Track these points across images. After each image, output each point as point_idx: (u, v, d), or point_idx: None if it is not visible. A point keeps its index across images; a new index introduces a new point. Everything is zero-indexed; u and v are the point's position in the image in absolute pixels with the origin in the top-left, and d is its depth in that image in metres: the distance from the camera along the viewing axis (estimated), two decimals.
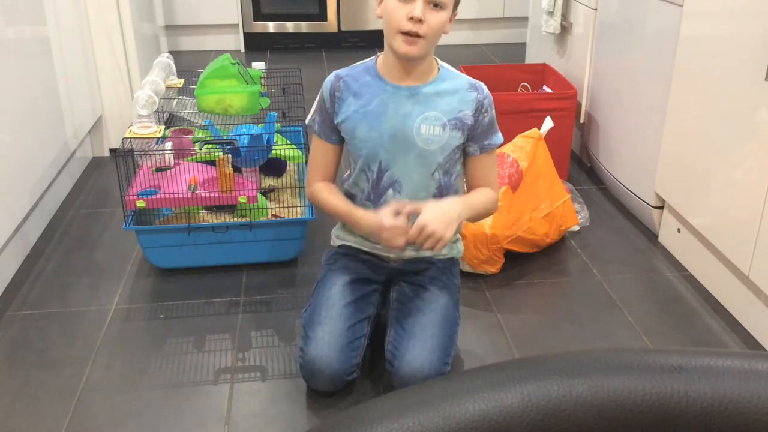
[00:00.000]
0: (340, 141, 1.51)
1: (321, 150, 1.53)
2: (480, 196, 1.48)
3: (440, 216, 1.36)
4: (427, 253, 1.52)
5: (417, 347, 1.40)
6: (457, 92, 1.44)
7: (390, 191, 1.47)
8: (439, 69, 1.47)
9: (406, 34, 1.35)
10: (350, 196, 1.53)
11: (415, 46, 1.36)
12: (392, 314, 1.51)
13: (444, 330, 1.44)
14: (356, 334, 1.46)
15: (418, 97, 1.43)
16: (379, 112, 1.43)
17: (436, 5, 1.34)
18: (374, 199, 1.49)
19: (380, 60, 1.47)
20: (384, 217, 1.37)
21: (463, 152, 1.49)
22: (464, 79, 1.47)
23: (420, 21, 1.33)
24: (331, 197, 1.51)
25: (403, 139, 1.43)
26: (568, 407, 0.42)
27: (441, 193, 1.48)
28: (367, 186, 1.49)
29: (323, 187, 1.53)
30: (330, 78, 1.49)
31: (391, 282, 1.57)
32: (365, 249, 1.56)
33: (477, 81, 1.48)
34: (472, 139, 1.46)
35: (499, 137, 1.49)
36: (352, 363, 1.44)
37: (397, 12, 1.34)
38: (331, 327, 1.44)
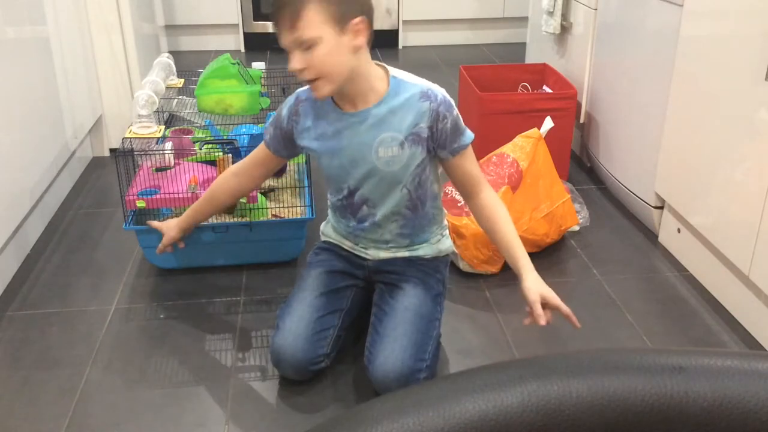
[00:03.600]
0: (287, 156, 1.53)
1: (262, 155, 1.54)
2: (506, 225, 1.45)
3: (542, 282, 1.40)
4: (404, 253, 1.54)
5: (388, 348, 1.41)
6: (408, 105, 1.37)
7: (364, 207, 1.49)
8: (389, 82, 1.38)
9: (307, 82, 1.31)
10: (333, 207, 1.56)
11: (318, 90, 1.31)
12: (371, 318, 1.52)
13: (417, 327, 1.44)
14: (324, 324, 1.48)
15: (370, 120, 1.38)
16: (336, 142, 1.42)
17: (306, 48, 1.26)
18: (351, 213, 1.52)
19: None
20: (171, 224, 1.71)
21: (437, 156, 1.44)
22: (416, 88, 1.37)
23: (302, 70, 1.27)
24: (207, 196, 1.64)
25: (364, 165, 1.41)
26: (568, 407, 0.42)
27: (414, 203, 1.47)
28: (342, 203, 1.51)
29: (223, 182, 1.61)
30: (291, 99, 1.47)
31: (372, 282, 1.58)
32: (344, 247, 1.59)
33: (430, 87, 1.38)
34: (440, 147, 1.41)
35: (468, 136, 1.42)
36: (318, 353, 1.47)
37: (290, 66, 1.31)
38: (299, 317, 1.47)
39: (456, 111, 1.40)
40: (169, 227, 1.72)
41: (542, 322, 1.37)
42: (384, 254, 1.54)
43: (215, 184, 1.64)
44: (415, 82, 1.39)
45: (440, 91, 1.39)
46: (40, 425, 1.41)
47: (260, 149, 1.55)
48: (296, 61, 1.27)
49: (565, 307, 1.37)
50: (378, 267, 1.55)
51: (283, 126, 1.47)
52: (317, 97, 1.34)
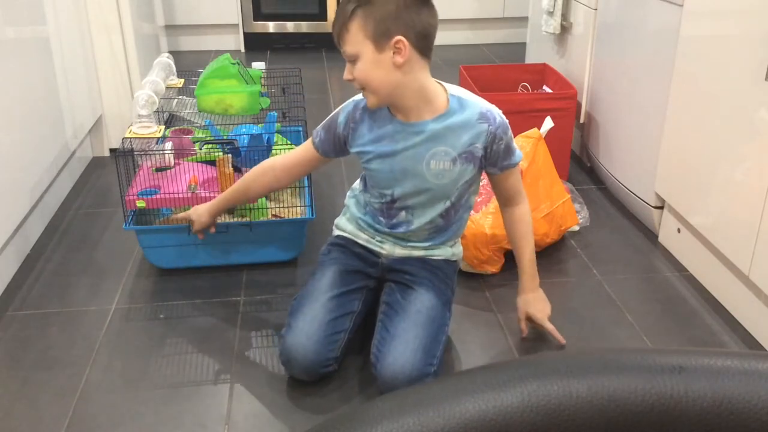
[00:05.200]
0: (335, 157, 1.57)
1: (307, 155, 1.57)
2: (527, 243, 1.57)
3: (535, 301, 1.60)
4: (419, 253, 1.55)
5: (399, 349, 1.40)
6: (467, 125, 1.42)
7: (403, 213, 1.52)
8: (449, 100, 1.43)
9: None
10: (368, 204, 1.57)
11: (367, 100, 1.42)
12: (379, 316, 1.52)
13: (428, 331, 1.44)
14: (336, 327, 1.48)
15: (426, 133, 1.42)
16: (390, 149, 1.45)
17: (351, 61, 1.37)
18: (387, 218, 1.54)
19: None
20: (196, 209, 1.72)
21: (485, 170, 1.51)
22: (475, 108, 1.43)
23: (352, 80, 1.38)
24: (242, 183, 1.63)
25: (414, 176, 1.45)
26: (568, 407, 0.42)
27: (447, 214, 1.52)
28: (382, 206, 1.53)
29: (260, 172, 1.61)
30: (349, 105, 1.50)
31: (383, 281, 1.59)
32: (359, 242, 1.59)
33: (489, 108, 1.44)
34: (492, 164, 1.47)
35: (518, 156, 1.50)
36: (329, 356, 1.47)
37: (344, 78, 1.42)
38: (312, 317, 1.47)
39: (510, 132, 1.47)
40: (200, 213, 1.71)
41: (523, 334, 1.63)
42: (399, 251, 1.56)
43: (251, 176, 1.63)
44: (474, 102, 1.44)
45: (498, 113, 1.45)
46: (40, 425, 1.41)
47: (306, 149, 1.57)
48: (346, 72, 1.38)
49: (548, 326, 1.59)
50: (392, 265, 1.56)
51: (338, 132, 1.51)
52: (369, 105, 1.43)
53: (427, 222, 1.51)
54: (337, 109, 1.53)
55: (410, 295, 1.50)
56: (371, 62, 1.34)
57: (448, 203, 1.49)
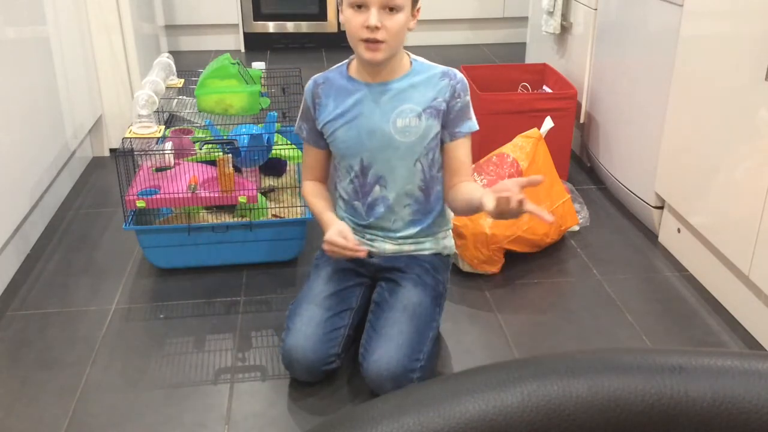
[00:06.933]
0: (325, 146, 1.56)
1: (311, 154, 1.59)
2: (468, 184, 1.48)
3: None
4: (410, 247, 1.55)
5: (384, 345, 1.41)
6: (429, 82, 1.47)
7: (377, 188, 1.51)
8: (411, 63, 1.48)
9: (366, 41, 1.37)
10: (341, 196, 1.57)
11: (378, 52, 1.38)
12: (369, 315, 1.53)
13: (414, 327, 1.44)
14: (335, 324, 1.49)
15: (391, 92, 1.45)
16: (356, 112, 1.47)
17: (391, 9, 1.35)
18: (362, 197, 1.54)
19: (352, 62, 1.51)
20: (331, 232, 1.46)
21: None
22: (437, 68, 1.49)
23: (377, 28, 1.35)
24: (313, 199, 1.59)
25: (381, 136, 1.46)
26: (568, 407, 0.42)
27: (426, 185, 1.51)
28: (354, 186, 1.53)
29: (311, 186, 1.61)
30: (309, 85, 1.53)
31: (376, 280, 1.59)
32: None
33: (450, 68, 1.49)
34: (445, 126, 1.48)
35: (472, 125, 1.49)
36: (330, 353, 1.47)
37: (354, 21, 1.37)
38: (308, 318, 1.48)
39: (469, 97, 1.49)
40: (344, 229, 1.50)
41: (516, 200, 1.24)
42: (390, 247, 1.55)
43: (314, 193, 1.59)
44: (435, 65, 1.50)
45: (459, 74, 1.48)
46: (40, 425, 1.41)
47: (306, 151, 1.59)
48: (376, 18, 1.34)
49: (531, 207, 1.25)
50: (382, 264, 1.56)
51: (311, 114, 1.53)
52: (373, 58, 1.39)
53: (405, 193, 1.50)
54: (303, 99, 1.55)
55: (398, 292, 1.50)
56: (405, 19, 1.38)
57: (418, 165, 1.49)
